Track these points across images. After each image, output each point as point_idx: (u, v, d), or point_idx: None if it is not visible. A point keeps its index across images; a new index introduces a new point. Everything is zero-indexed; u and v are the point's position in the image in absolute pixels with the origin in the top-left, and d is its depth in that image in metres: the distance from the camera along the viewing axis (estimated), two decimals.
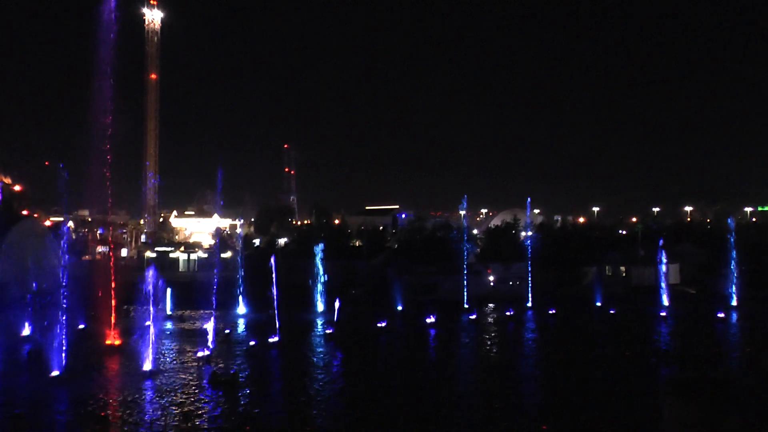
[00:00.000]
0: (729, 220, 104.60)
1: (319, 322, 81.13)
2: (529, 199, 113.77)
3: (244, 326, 79.56)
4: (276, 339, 66.09)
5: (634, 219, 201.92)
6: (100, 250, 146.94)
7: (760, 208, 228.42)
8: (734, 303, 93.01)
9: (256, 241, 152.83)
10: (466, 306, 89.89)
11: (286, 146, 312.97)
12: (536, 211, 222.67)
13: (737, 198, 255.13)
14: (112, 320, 70.54)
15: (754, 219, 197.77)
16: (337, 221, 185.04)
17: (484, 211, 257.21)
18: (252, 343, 65.81)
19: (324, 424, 41.68)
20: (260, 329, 71.14)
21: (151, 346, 56.46)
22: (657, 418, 42.77)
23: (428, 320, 78.51)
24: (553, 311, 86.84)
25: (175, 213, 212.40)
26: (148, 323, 77.15)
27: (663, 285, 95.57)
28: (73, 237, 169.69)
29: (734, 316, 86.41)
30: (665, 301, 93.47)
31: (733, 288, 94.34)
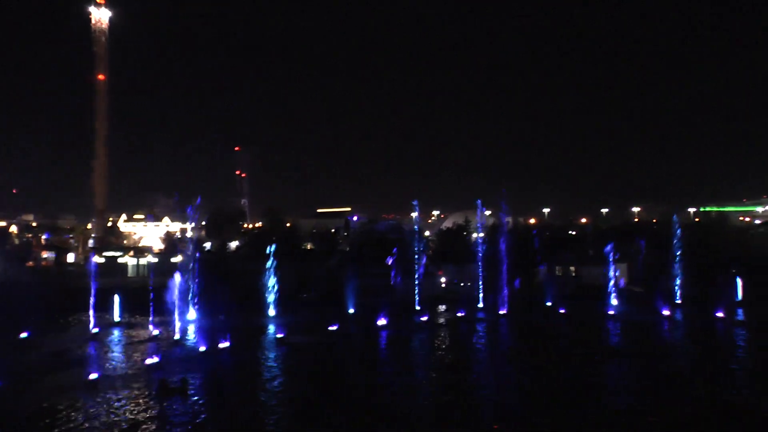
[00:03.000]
0: (674, 219, 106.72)
1: (271, 326, 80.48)
2: (479, 201, 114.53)
3: (194, 332, 78.56)
4: (227, 344, 65.41)
5: (583, 220, 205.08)
6: (45, 255, 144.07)
7: (702, 209, 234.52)
8: (679, 301, 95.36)
9: (208, 245, 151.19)
10: (418, 308, 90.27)
11: (237, 149, 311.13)
12: (487, 212, 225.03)
13: (682, 198, 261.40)
14: (57, 328, 69.23)
15: (697, 219, 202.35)
16: (289, 224, 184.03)
17: (436, 213, 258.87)
18: (202, 348, 65.04)
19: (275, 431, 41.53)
20: (211, 335, 70.19)
21: (97, 353, 55.46)
22: (603, 413, 43.67)
23: (380, 322, 78.71)
24: (504, 311, 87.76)
25: (124, 217, 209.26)
26: (95, 330, 76.39)
27: (611, 284, 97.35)
28: (16, 242, 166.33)
29: (679, 314, 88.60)
30: (614, 301, 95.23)
31: (678, 286, 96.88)
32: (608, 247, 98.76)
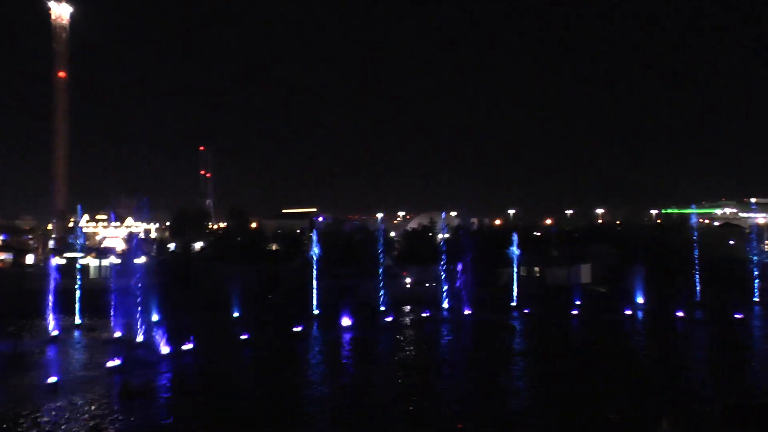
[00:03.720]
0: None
1: (236, 327, 79.80)
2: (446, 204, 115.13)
3: (157, 334, 77.49)
4: (191, 346, 64.84)
5: (548, 221, 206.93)
6: (2, 257, 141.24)
7: (663, 210, 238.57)
8: (641, 300, 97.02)
9: (172, 246, 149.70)
10: (382, 308, 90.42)
11: (202, 148, 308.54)
12: (453, 213, 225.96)
13: (644, 201, 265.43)
14: (15, 331, 68.01)
15: (659, 221, 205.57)
16: (254, 225, 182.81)
17: (401, 214, 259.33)
18: (166, 350, 64.29)
19: None
20: (175, 336, 69.29)
21: (57, 357, 54.59)
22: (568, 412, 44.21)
23: (345, 323, 78.66)
24: (469, 312, 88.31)
25: (86, 217, 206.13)
26: (54, 333, 75.19)
27: (575, 284, 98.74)
28: None
29: (640, 313, 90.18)
30: (577, 300, 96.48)
31: (640, 286, 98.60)
32: (572, 248, 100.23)
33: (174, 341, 66.60)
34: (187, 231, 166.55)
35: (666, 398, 48.60)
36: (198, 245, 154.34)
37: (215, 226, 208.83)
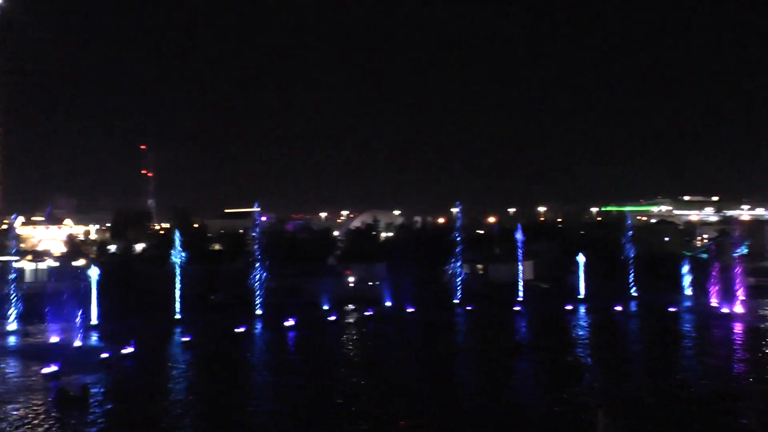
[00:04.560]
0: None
1: (178, 330, 78.99)
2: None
3: (97, 338, 76.29)
4: (131, 350, 63.82)
5: (491, 219, 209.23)
6: None
7: (603, 208, 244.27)
8: (582, 296, 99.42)
9: (112, 248, 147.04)
10: (326, 307, 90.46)
11: (143, 147, 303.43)
12: (396, 212, 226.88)
13: (585, 199, 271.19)
14: None
15: (599, 218, 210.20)
16: (196, 225, 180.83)
17: (345, 212, 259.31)
18: (105, 355, 62.94)
19: None
20: (115, 340, 68.27)
21: None
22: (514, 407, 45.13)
23: (288, 323, 78.60)
24: (412, 309, 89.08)
25: (21, 219, 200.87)
26: None
27: (518, 281, 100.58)
28: None
29: (581, 309, 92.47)
30: (520, 297, 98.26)
31: (581, 282, 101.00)
32: (515, 245, 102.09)
33: (113, 345, 65.59)
34: (128, 232, 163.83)
35: (602, 389, 50.14)
36: (140, 247, 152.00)
37: (157, 227, 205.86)
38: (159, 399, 50.01)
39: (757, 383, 52.56)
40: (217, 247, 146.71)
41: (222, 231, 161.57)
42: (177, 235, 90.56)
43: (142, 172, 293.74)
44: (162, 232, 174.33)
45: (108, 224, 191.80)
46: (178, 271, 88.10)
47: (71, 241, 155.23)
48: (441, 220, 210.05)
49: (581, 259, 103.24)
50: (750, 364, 59.97)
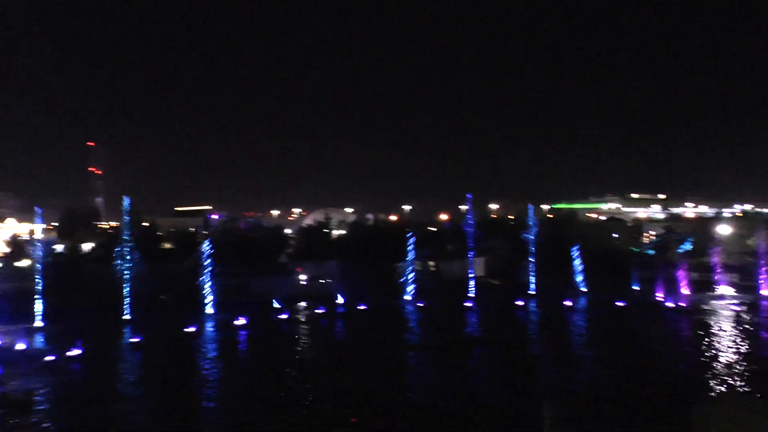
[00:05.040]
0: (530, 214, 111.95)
1: (126, 330, 77.64)
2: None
3: (42, 340, 74.48)
4: (78, 352, 62.59)
5: (443, 216, 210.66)
6: None
7: (554, 206, 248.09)
8: (532, 291, 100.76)
9: (59, 247, 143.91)
10: (278, 306, 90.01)
11: (91, 144, 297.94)
12: (348, 209, 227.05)
13: (537, 196, 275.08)
14: None
15: (550, 215, 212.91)
16: (147, 224, 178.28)
17: (297, 210, 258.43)
18: (50, 357, 61.71)
19: None
20: (61, 342, 66.79)
21: None
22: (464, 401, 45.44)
23: (239, 322, 78.01)
24: (364, 307, 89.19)
25: None
26: None
27: (469, 277, 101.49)
28: None
29: (532, 304, 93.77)
30: (471, 293, 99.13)
31: (532, 278, 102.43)
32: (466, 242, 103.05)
33: (59, 347, 64.23)
34: (75, 231, 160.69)
35: (550, 381, 50.92)
36: (88, 246, 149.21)
37: (106, 226, 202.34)
38: (106, 402, 48.99)
39: (698, 372, 54.44)
40: (167, 245, 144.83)
41: (173, 229, 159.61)
42: (126, 234, 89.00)
43: (90, 169, 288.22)
44: (111, 231, 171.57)
45: (55, 223, 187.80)
46: (127, 270, 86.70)
47: (14, 241, 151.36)
48: (393, 218, 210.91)
49: (532, 255, 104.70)
50: (691, 355, 61.58)
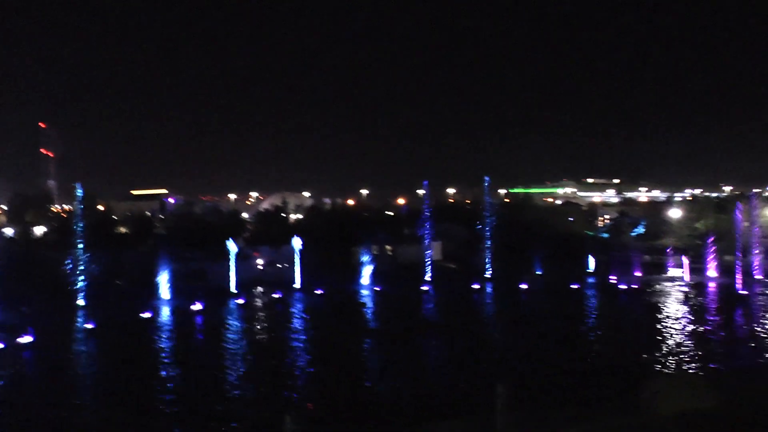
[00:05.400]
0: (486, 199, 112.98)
1: (80, 317, 76.44)
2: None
3: None
4: (30, 339, 61.44)
5: (401, 200, 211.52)
6: None
7: (512, 190, 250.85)
8: (488, 275, 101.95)
9: (9, 232, 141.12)
10: (234, 291, 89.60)
11: (42, 125, 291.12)
12: (306, 194, 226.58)
13: (494, 181, 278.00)
14: None
15: (506, 200, 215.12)
16: (101, 207, 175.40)
17: (254, 194, 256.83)
18: (0, 345, 60.50)
19: None
20: (10, 330, 65.15)
21: None
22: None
23: (195, 307, 77.53)
24: (321, 291, 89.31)
25: None
26: None
27: (426, 261, 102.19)
28: None
29: (488, 287, 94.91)
30: (428, 277, 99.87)
31: (488, 262, 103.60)
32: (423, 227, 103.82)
33: (10, 335, 62.81)
34: (26, 215, 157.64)
35: (504, 365, 51.68)
36: (39, 230, 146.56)
37: (59, 209, 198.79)
38: (59, 392, 48.21)
39: (647, 351, 56.04)
40: (122, 230, 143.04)
41: (128, 213, 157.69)
42: (79, 218, 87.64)
43: (42, 151, 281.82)
44: (64, 215, 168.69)
45: (4, 207, 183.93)
46: (80, 255, 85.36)
47: None
48: (350, 202, 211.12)
49: (488, 239, 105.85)
50: (640, 334, 63.17)
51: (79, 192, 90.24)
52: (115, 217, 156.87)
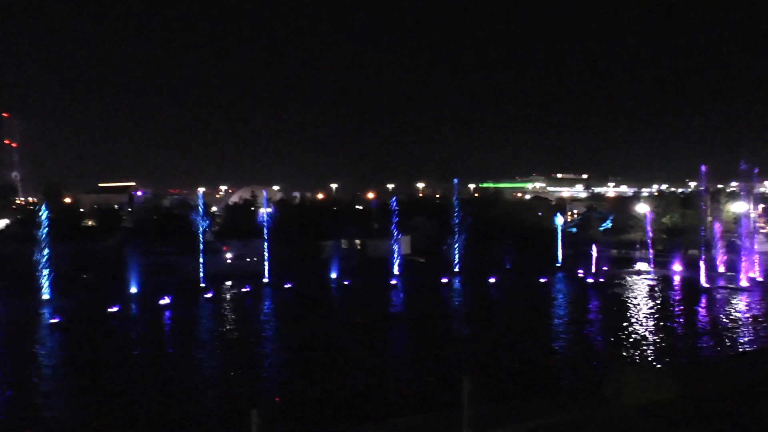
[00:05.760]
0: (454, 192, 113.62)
1: (46, 311, 75.34)
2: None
3: None
4: None
5: (370, 195, 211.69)
6: None
7: (481, 185, 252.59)
8: (457, 269, 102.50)
9: None
10: (203, 285, 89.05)
11: (5, 115, 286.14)
12: (275, 187, 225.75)
13: (464, 175, 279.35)
14: None
15: (476, 194, 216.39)
16: (68, 200, 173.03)
17: (223, 187, 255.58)
18: None
19: (49, 426, 39.44)
20: None
21: None
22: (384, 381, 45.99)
23: (163, 302, 76.90)
24: (290, 285, 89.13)
25: None
26: None
27: (395, 255, 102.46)
28: None
29: (456, 281, 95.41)
30: (397, 271, 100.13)
31: (457, 256, 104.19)
32: (392, 221, 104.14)
33: None
34: None
35: (471, 358, 52.02)
36: (3, 223, 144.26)
37: (24, 201, 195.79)
38: (23, 388, 47.64)
39: (612, 342, 57.15)
40: (90, 223, 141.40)
41: (96, 206, 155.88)
42: (45, 211, 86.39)
43: (5, 142, 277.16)
44: (29, 207, 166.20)
45: None
46: (46, 248, 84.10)
47: None
48: (320, 196, 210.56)
49: (458, 233, 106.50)
50: (607, 329, 63.92)
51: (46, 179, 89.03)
52: (82, 210, 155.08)
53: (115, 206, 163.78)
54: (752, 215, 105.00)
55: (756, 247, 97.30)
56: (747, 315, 69.60)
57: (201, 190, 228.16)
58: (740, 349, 54.27)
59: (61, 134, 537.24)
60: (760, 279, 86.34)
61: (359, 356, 53.64)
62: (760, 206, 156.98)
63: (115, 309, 73.31)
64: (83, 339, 62.67)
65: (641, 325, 64.35)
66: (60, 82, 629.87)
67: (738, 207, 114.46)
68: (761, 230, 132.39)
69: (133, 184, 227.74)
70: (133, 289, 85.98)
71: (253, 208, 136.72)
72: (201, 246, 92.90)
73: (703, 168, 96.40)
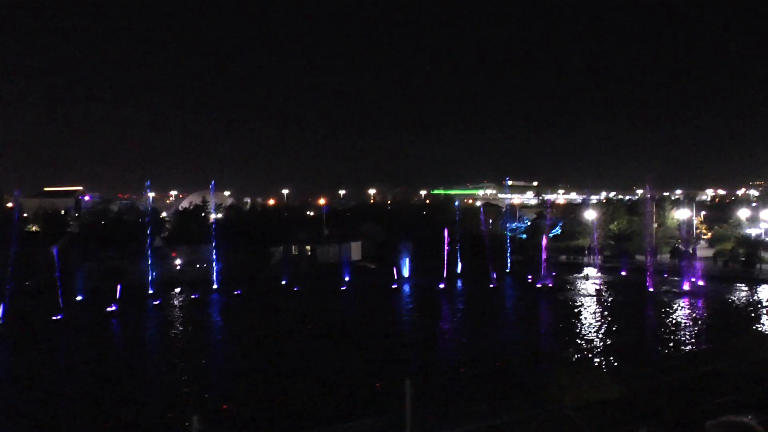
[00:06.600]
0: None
1: None
2: (213, 182, 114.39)
3: None
4: None
5: (321, 200, 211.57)
6: None
7: (433, 191, 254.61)
8: (407, 275, 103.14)
9: None
10: (151, 291, 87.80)
11: None
12: (226, 193, 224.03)
13: (415, 181, 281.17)
14: None
15: (428, 201, 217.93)
16: (9, 204, 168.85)
17: (174, 193, 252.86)
18: None
19: None
20: None
21: None
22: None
23: (110, 309, 75.60)
24: (239, 292, 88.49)
25: None
26: None
27: (345, 262, 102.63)
28: None
29: (406, 287, 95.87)
30: (347, 277, 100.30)
31: (407, 261, 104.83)
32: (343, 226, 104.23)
33: None
34: None
35: (415, 362, 52.12)
36: None
37: None
38: None
39: (557, 344, 58.13)
40: (34, 228, 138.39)
41: (40, 211, 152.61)
42: None
43: None
44: None
45: None
46: None
47: None
48: (271, 201, 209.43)
49: (408, 240, 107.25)
50: (553, 332, 64.93)
51: None
52: (26, 215, 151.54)
53: (62, 211, 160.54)
54: (694, 222, 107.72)
55: (698, 252, 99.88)
56: (688, 318, 71.20)
57: (151, 195, 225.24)
58: (680, 350, 55.47)
59: (4, 136, 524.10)
60: (701, 283, 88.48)
61: (302, 362, 53.27)
62: (702, 213, 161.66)
63: (58, 317, 71.78)
64: (23, 349, 61.20)
65: (585, 328, 65.37)
66: (4, 82, 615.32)
67: (681, 214, 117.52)
68: (702, 236, 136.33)
69: (81, 188, 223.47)
70: (79, 296, 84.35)
71: (204, 214, 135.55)
72: (149, 252, 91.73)
73: (648, 176, 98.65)
